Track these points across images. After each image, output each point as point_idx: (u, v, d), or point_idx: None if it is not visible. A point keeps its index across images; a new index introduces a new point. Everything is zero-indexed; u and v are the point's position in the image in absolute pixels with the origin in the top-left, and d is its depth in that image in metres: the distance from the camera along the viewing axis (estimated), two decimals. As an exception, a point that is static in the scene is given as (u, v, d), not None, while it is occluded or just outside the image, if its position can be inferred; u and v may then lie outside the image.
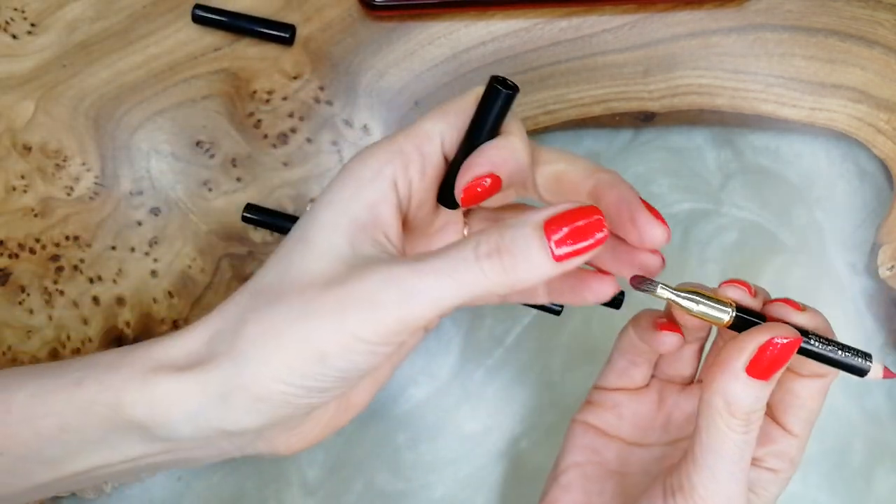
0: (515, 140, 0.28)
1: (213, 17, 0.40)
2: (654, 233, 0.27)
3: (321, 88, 0.41)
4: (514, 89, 0.27)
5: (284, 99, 0.41)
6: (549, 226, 0.24)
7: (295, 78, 0.41)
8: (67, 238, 0.42)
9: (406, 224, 0.29)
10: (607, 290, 0.29)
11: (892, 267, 0.41)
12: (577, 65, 0.41)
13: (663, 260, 0.28)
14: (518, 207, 0.32)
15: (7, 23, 0.41)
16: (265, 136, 0.41)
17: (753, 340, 0.26)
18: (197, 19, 0.40)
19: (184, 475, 0.44)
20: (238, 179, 0.42)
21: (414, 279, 0.24)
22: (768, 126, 0.43)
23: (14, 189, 0.42)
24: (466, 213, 0.32)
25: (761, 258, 0.43)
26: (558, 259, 0.24)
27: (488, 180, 0.27)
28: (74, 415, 0.26)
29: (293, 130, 0.42)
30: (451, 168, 0.28)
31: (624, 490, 0.33)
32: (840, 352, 0.28)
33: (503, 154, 0.27)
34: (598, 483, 0.33)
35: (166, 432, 0.26)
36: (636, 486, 0.33)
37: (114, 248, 0.42)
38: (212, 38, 0.41)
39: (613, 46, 0.41)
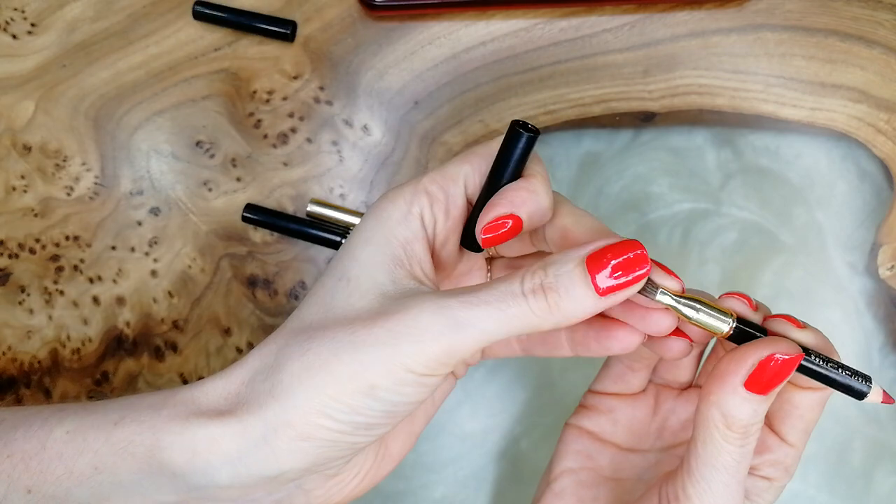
0: (537, 183, 0.28)
1: (214, 13, 0.40)
2: (666, 283, 0.27)
3: (321, 88, 0.41)
4: (535, 132, 0.28)
5: (284, 99, 0.41)
6: (592, 260, 0.25)
7: (295, 78, 0.41)
8: (67, 238, 0.42)
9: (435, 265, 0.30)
10: (633, 339, 0.29)
11: (892, 267, 0.41)
12: (577, 65, 0.41)
13: (677, 321, 0.28)
14: (538, 255, 0.32)
15: (7, 23, 0.41)
16: (265, 136, 0.41)
17: (754, 355, 0.26)
18: (198, 16, 0.40)
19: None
20: (238, 179, 0.42)
21: (464, 310, 0.24)
22: (768, 126, 0.43)
23: (14, 189, 0.42)
24: (489, 262, 0.33)
25: (761, 258, 0.43)
26: (602, 294, 0.25)
27: (510, 222, 0.27)
28: (110, 454, 0.26)
29: (293, 130, 0.42)
30: (474, 211, 0.29)
31: (618, 497, 0.33)
32: (840, 371, 0.28)
33: (523, 196, 0.28)
34: (592, 489, 0.33)
35: (204, 479, 0.25)
36: (630, 493, 0.33)
37: (114, 248, 0.42)
38: (212, 37, 0.41)
39: (613, 46, 0.41)
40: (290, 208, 0.42)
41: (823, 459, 0.43)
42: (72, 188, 0.42)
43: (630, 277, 0.25)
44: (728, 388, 0.26)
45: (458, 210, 0.29)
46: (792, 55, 0.41)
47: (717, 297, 0.29)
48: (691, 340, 0.29)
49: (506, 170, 0.28)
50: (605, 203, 0.44)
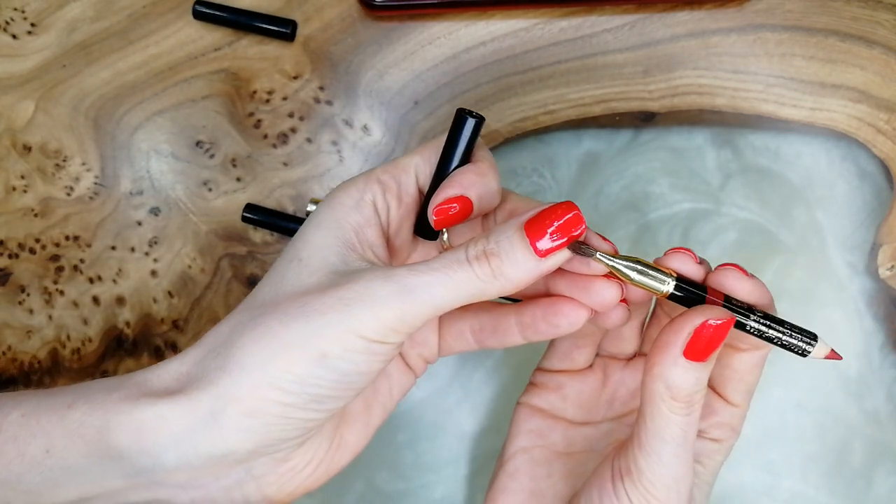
0: (484, 166, 0.29)
1: (214, 13, 0.40)
2: (602, 247, 0.28)
3: (321, 88, 0.41)
4: (479, 118, 0.29)
5: (284, 99, 0.41)
6: (530, 225, 0.26)
7: (295, 78, 0.41)
8: (67, 238, 0.42)
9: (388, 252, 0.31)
10: (580, 315, 0.29)
11: (892, 267, 0.41)
12: (577, 65, 0.41)
13: (621, 289, 0.28)
14: None
15: (7, 23, 0.41)
16: (265, 136, 0.41)
17: (689, 324, 0.27)
18: (198, 15, 0.40)
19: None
20: (238, 179, 0.42)
21: (412, 277, 0.25)
22: (768, 126, 0.43)
23: (14, 189, 0.42)
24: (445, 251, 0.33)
25: (761, 258, 0.43)
26: (542, 255, 0.26)
27: (460, 204, 0.28)
28: (61, 437, 0.26)
29: (293, 130, 0.42)
30: (426, 199, 0.30)
31: (572, 470, 0.33)
32: (783, 329, 0.28)
33: (472, 178, 0.29)
34: (545, 466, 0.33)
35: (150, 461, 0.26)
36: (584, 465, 0.33)
37: (114, 248, 0.42)
38: (212, 37, 0.41)
39: (613, 46, 0.41)
40: (290, 208, 0.42)
41: (823, 459, 0.43)
42: (72, 188, 0.42)
43: (566, 238, 0.26)
44: (669, 359, 0.27)
45: (411, 198, 0.30)
46: (792, 55, 0.41)
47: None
48: (628, 304, 0.30)
49: (454, 155, 0.29)
50: (605, 203, 0.44)
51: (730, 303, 0.28)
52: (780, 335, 0.28)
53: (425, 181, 0.30)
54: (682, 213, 0.43)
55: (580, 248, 0.27)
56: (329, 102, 0.41)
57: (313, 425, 0.27)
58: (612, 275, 0.28)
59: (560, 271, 0.28)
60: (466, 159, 0.29)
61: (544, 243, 0.26)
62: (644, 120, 0.42)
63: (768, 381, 0.43)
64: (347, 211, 0.28)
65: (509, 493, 0.33)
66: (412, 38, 0.41)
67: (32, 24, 0.41)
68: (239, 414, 0.25)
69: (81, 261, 0.42)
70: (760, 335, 0.28)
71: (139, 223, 0.42)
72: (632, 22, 0.41)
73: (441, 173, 0.29)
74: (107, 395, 0.26)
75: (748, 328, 0.28)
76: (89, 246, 0.42)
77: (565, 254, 0.26)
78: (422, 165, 0.30)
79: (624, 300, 0.29)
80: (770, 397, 0.43)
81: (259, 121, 0.41)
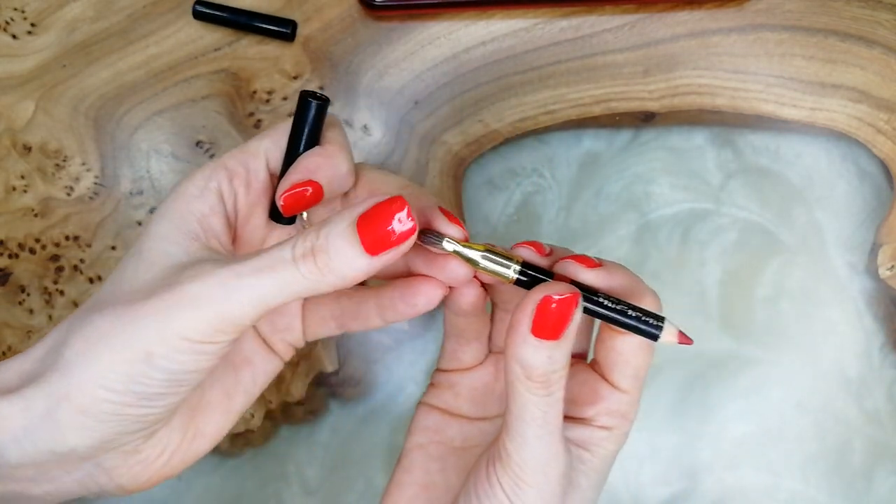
0: (332, 148, 0.29)
1: (214, 13, 0.40)
2: (449, 231, 0.28)
3: (321, 88, 0.41)
4: (323, 100, 0.29)
5: (284, 99, 0.41)
6: (363, 221, 0.25)
7: (295, 78, 0.41)
8: (67, 238, 0.42)
9: (237, 239, 0.30)
10: (436, 292, 0.29)
11: (892, 267, 0.41)
12: (577, 65, 0.41)
13: (474, 276, 0.28)
14: None
15: (7, 23, 0.41)
16: (265, 136, 0.41)
17: (531, 300, 0.26)
18: (198, 15, 0.40)
19: (184, 475, 0.44)
20: (238, 179, 0.42)
21: (234, 279, 0.25)
22: (768, 126, 0.43)
23: (14, 189, 0.42)
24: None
25: (761, 258, 0.43)
26: (373, 253, 0.25)
27: (309, 188, 0.28)
28: None
29: (293, 130, 0.42)
30: (278, 184, 0.30)
31: (465, 464, 0.33)
32: (629, 312, 0.27)
33: (319, 161, 0.29)
34: (439, 461, 0.33)
35: None
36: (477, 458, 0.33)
37: (114, 248, 0.42)
38: (212, 37, 0.41)
39: (613, 46, 0.41)
40: (290, 208, 0.42)
41: (823, 459, 0.43)
42: (72, 188, 0.42)
43: (398, 236, 0.25)
44: (519, 338, 0.26)
45: (261, 183, 0.30)
46: (792, 55, 0.41)
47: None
48: (484, 288, 0.30)
49: (300, 139, 0.29)
50: (605, 203, 0.44)
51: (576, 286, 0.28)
52: (628, 319, 0.27)
53: (277, 165, 0.30)
54: (682, 213, 0.43)
55: (426, 236, 0.27)
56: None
57: (154, 419, 0.27)
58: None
59: (417, 248, 0.28)
60: (314, 142, 0.29)
61: (376, 241, 0.25)
62: (644, 120, 0.42)
63: (768, 381, 0.43)
64: (191, 200, 0.28)
65: (403, 486, 0.33)
66: (412, 38, 0.41)
67: (32, 24, 0.41)
68: (73, 412, 0.25)
69: (81, 261, 0.42)
70: (610, 319, 0.27)
71: (139, 223, 0.42)
72: (632, 22, 0.41)
73: (290, 158, 0.29)
74: None
75: (596, 311, 0.27)
76: (89, 246, 0.42)
77: (399, 250, 0.26)
78: (272, 149, 0.30)
79: (483, 286, 0.29)
80: (770, 397, 0.43)
81: (259, 121, 0.41)
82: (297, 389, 0.42)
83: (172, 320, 0.25)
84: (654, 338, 0.28)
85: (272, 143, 0.30)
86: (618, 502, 0.44)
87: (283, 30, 0.40)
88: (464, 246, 0.28)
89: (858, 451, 0.43)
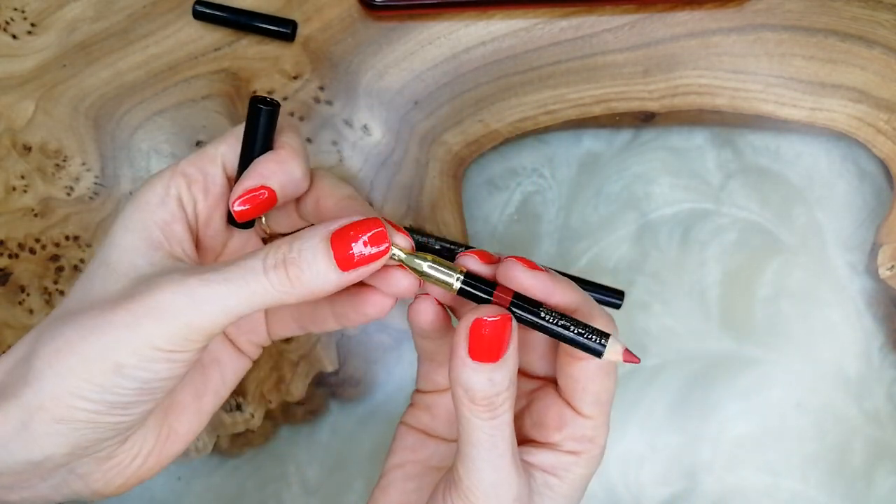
0: (284, 153, 0.29)
1: (214, 13, 0.40)
2: (395, 240, 0.28)
3: (321, 88, 0.41)
4: (273, 105, 0.29)
5: (284, 99, 0.41)
6: (337, 237, 0.26)
7: (295, 78, 0.41)
8: (67, 238, 0.42)
9: (199, 245, 0.31)
10: (385, 302, 0.30)
11: (892, 267, 0.41)
12: (577, 65, 0.41)
13: (417, 279, 0.28)
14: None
15: (7, 23, 0.41)
16: (265, 136, 0.41)
17: (464, 324, 0.26)
18: (198, 15, 0.40)
19: (184, 475, 0.44)
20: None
21: (203, 288, 0.25)
22: (768, 126, 0.43)
23: (14, 189, 0.42)
24: (268, 241, 0.33)
25: (761, 258, 0.43)
26: (345, 269, 0.26)
27: (264, 193, 0.28)
28: None
29: (293, 130, 0.42)
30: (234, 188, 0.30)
31: None
32: (573, 328, 0.27)
33: (272, 167, 0.29)
34: (416, 480, 0.33)
35: None
36: None
37: (114, 248, 0.42)
38: (212, 37, 0.41)
39: (613, 46, 0.41)
40: (290, 208, 0.42)
41: (823, 459, 0.43)
42: (72, 188, 0.42)
43: (370, 253, 0.26)
44: (458, 361, 0.26)
45: (218, 188, 0.30)
46: (792, 55, 0.41)
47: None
48: (441, 304, 0.30)
49: (254, 145, 0.29)
50: (605, 203, 0.44)
51: (519, 300, 0.27)
52: (570, 334, 0.27)
53: (234, 169, 0.30)
54: (682, 213, 0.43)
55: None
56: (329, 102, 0.41)
57: (127, 425, 0.27)
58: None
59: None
60: (267, 147, 0.29)
61: (349, 258, 0.26)
62: (644, 120, 0.42)
63: (768, 381, 0.43)
64: (153, 209, 0.28)
65: None
66: (412, 38, 0.41)
67: (32, 24, 0.41)
68: (48, 421, 0.25)
69: (81, 261, 0.42)
70: (552, 332, 0.27)
71: (139, 223, 0.42)
72: (632, 22, 0.41)
73: (244, 163, 0.29)
74: None
75: (536, 323, 0.27)
76: (89, 246, 0.42)
77: (370, 268, 0.26)
78: (228, 154, 0.30)
79: (439, 303, 0.29)
80: (770, 397, 0.43)
81: (259, 121, 0.41)
82: (297, 389, 0.42)
83: (142, 330, 0.25)
84: (598, 354, 0.27)
85: (228, 148, 0.30)
86: (618, 502, 0.44)
87: (283, 30, 0.40)
88: (409, 255, 0.27)
89: (858, 451, 0.43)
